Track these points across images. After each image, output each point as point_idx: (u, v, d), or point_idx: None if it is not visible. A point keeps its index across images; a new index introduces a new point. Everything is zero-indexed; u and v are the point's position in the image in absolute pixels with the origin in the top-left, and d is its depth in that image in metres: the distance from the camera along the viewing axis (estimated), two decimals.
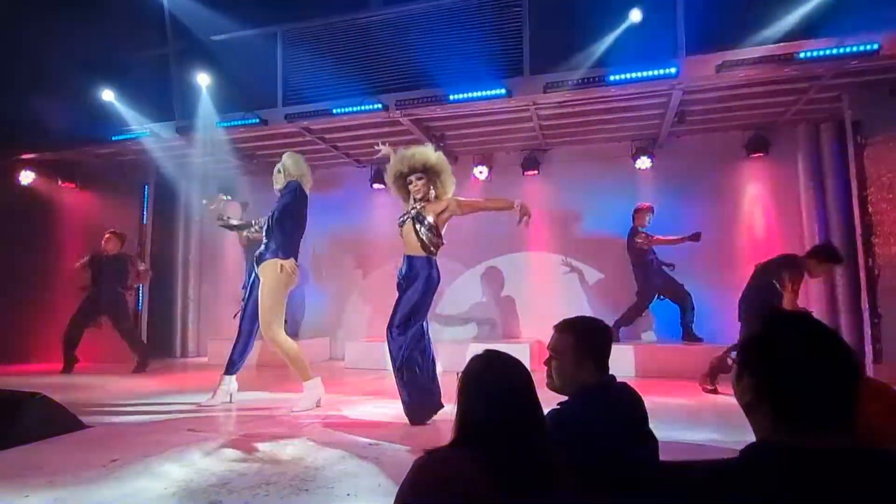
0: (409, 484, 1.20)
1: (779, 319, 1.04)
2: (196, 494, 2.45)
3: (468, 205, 4.18)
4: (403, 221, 4.08)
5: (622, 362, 5.61)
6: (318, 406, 4.34)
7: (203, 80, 6.27)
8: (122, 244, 6.83)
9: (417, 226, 3.99)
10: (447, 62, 5.78)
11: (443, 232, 4.07)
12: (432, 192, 4.11)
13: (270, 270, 4.33)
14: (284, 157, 4.61)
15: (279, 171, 4.54)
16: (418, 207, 4.06)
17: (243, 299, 4.73)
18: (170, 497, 2.43)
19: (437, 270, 4.03)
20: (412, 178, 4.08)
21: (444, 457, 1.22)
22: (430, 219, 4.00)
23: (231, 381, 4.54)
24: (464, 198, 4.24)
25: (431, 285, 3.97)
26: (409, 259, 4.03)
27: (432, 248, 4.01)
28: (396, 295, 4.05)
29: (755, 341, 1.02)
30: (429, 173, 4.09)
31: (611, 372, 1.78)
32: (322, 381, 4.48)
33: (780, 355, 0.97)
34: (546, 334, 6.75)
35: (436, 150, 4.20)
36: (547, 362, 1.80)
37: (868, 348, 5.12)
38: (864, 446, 0.92)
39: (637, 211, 6.20)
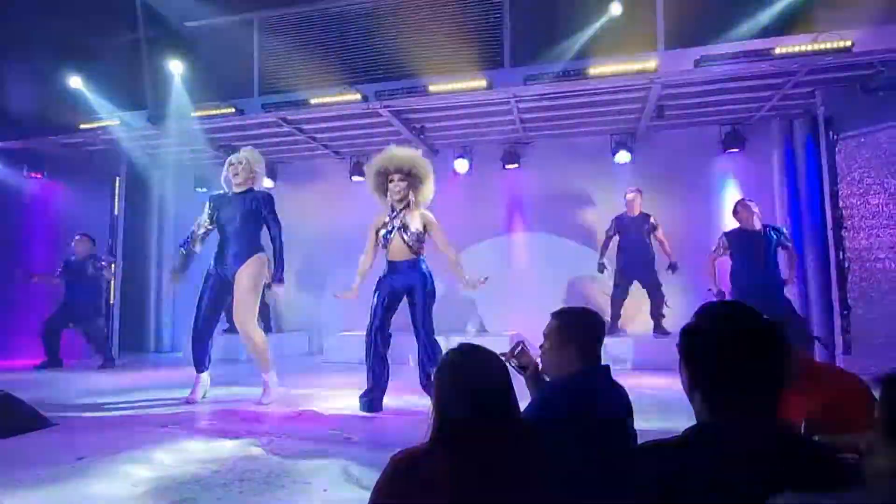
0: (385, 482, 1.19)
1: (708, 312, 1.08)
2: (168, 492, 2.39)
3: (442, 241, 4.15)
4: (390, 233, 4.07)
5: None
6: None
7: (176, 67, 6.07)
8: (93, 246, 6.60)
9: (404, 235, 4.03)
10: (427, 53, 5.73)
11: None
12: (411, 197, 4.08)
13: (256, 266, 4.34)
14: (245, 151, 4.50)
15: (240, 163, 4.40)
16: (401, 217, 4.06)
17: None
18: (140, 495, 2.36)
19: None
20: (395, 177, 4.05)
21: (420, 454, 1.20)
22: (413, 228, 4.04)
23: (205, 378, 4.46)
24: (442, 232, 4.18)
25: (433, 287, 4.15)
26: (401, 264, 4.07)
27: (420, 252, 4.10)
28: (377, 293, 4.12)
29: (685, 333, 1.07)
30: (412, 177, 4.07)
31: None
32: (302, 375, 4.43)
33: (705, 348, 1.02)
34: (525, 327, 6.64)
35: (423, 156, 4.20)
36: (541, 347, 1.82)
37: (838, 340, 5.24)
38: (787, 429, 1.02)
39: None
